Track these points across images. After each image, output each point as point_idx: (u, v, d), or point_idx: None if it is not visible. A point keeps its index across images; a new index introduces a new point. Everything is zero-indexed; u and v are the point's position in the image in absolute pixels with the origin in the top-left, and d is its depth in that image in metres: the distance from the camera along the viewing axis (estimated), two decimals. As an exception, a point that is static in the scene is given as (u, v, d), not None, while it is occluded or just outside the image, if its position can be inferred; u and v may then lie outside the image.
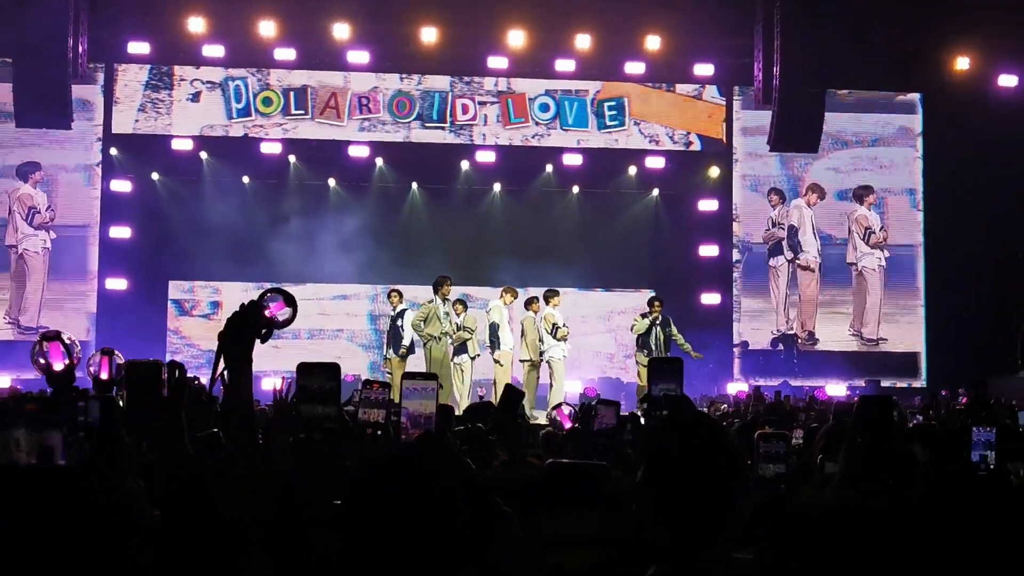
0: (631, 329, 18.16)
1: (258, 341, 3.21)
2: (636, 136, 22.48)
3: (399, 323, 16.76)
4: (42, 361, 4.09)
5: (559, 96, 22.27)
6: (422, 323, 16.32)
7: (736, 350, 22.76)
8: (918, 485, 3.31)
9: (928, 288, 22.86)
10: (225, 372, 3.24)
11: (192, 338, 22.14)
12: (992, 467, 3.78)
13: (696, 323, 21.81)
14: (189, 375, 4.10)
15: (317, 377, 3.12)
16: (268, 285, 20.83)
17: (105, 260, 21.59)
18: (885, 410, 3.32)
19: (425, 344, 16.40)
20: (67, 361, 3.78)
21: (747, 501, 3.59)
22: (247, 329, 3.15)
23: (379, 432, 4.38)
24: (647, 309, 17.98)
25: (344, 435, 3.55)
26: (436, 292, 16.51)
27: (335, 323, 22.10)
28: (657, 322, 17.54)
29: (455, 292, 17.54)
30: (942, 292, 22.40)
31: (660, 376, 3.86)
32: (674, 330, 17.83)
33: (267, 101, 21.88)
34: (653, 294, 20.64)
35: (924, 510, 2.69)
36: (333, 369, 3.16)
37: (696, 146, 22.68)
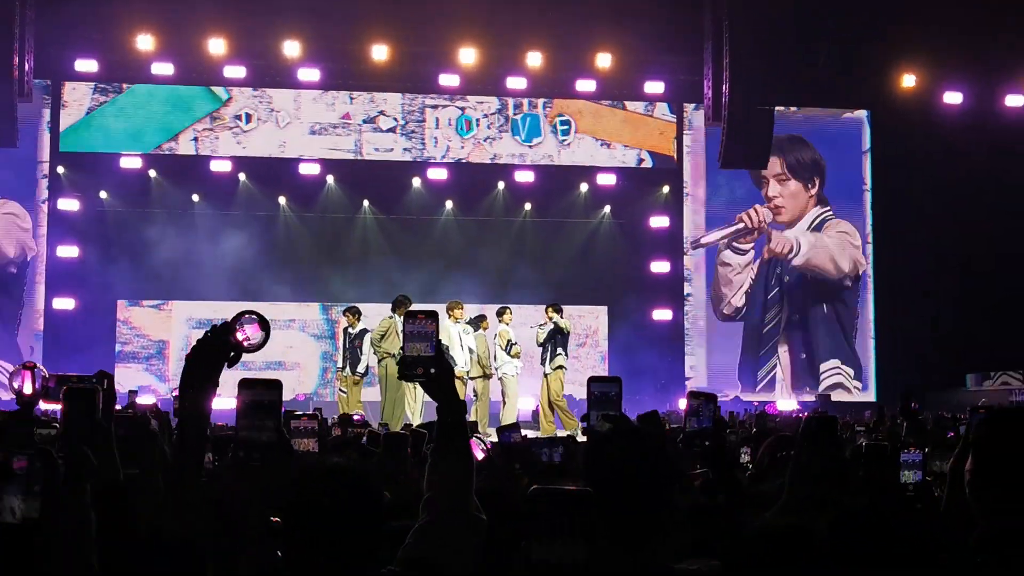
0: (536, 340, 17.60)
1: (226, 365, 3.17)
2: (587, 153, 22.61)
3: (358, 343, 16.70)
4: (16, 384, 4.18)
5: (510, 111, 22.42)
6: (380, 339, 16.28)
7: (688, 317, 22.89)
8: (858, 502, 3.39)
9: (877, 302, 23.14)
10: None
11: (143, 328, 22.11)
12: (917, 486, 3.94)
13: (648, 339, 22.03)
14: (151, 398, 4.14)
15: (258, 393, 3.09)
16: (216, 304, 21.02)
17: (52, 280, 21.39)
18: (828, 428, 3.42)
19: (380, 360, 16.34)
20: (34, 388, 3.85)
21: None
22: (216, 351, 3.13)
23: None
24: (546, 320, 17.46)
25: (285, 455, 3.57)
26: (395, 310, 16.46)
27: (286, 341, 22.00)
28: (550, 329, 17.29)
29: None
30: (890, 306, 22.70)
31: (600, 401, 3.89)
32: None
33: (215, 119, 21.87)
34: (607, 308, 20.98)
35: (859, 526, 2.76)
36: (275, 385, 3.13)
37: (647, 163, 22.87)
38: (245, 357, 3.16)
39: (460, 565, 2.84)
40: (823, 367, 23.07)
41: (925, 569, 2.67)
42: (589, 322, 22.89)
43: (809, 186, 23.30)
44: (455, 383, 3.17)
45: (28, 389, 4.35)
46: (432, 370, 3.05)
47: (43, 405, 4.29)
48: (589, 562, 2.01)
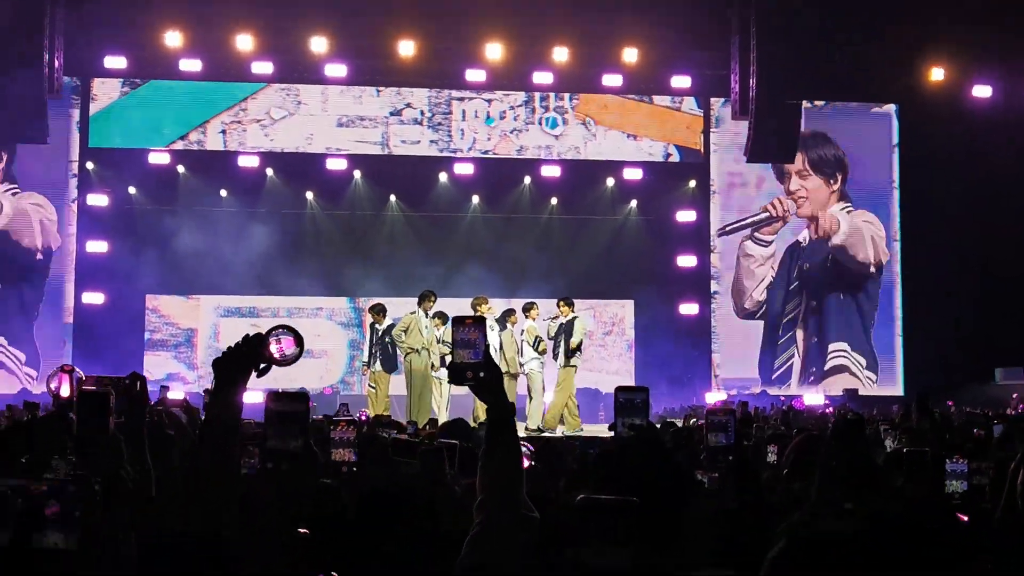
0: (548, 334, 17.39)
1: (254, 375, 3.19)
2: (614, 147, 22.60)
3: (387, 340, 16.72)
4: (53, 386, 4.21)
5: (537, 116, 22.45)
6: (403, 333, 16.31)
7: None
8: (894, 505, 3.38)
9: (905, 295, 23.02)
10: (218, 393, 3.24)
11: (172, 316, 22.31)
12: (963, 495, 3.87)
13: (674, 332, 22.02)
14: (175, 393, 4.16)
15: (286, 405, 3.12)
16: (244, 299, 21.13)
17: (81, 274, 21.56)
18: (857, 429, 3.41)
19: (405, 356, 16.38)
20: (72, 391, 3.89)
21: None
22: (246, 360, 3.15)
23: (354, 469, 4.45)
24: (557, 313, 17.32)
25: (311, 464, 3.58)
26: (420, 305, 16.50)
27: (314, 329, 22.05)
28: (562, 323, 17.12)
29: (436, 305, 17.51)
30: (919, 299, 22.57)
31: (627, 409, 3.91)
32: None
33: (243, 113, 22.00)
34: (633, 302, 21.01)
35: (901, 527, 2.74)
36: (302, 397, 3.16)
37: (675, 157, 22.83)
38: (264, 381, 3.19)
39: (514, 567, 2.87)
40: (831, 347, 22.95)
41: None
42: (615, 310, 22.87)
43: (831, 182, 23.21)
44: (503, 385, 3.21)
45: (65, 392, 4.39)
46: (481, 373, 3.08)
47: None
48: (633, 569, 2.03)
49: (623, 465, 3.01)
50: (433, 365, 16.57)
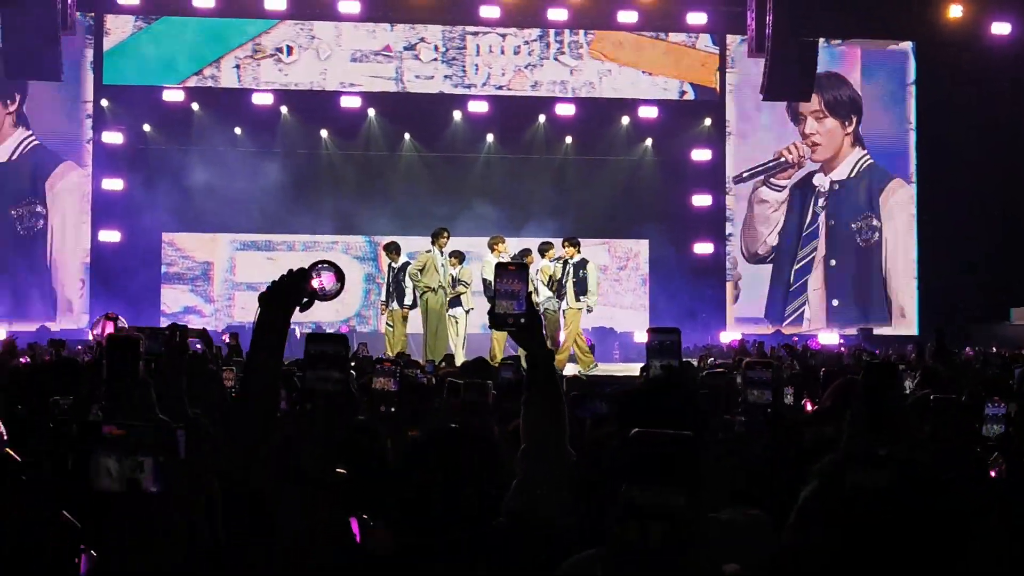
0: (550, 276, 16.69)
1: (298, 309, 3.24)
2: (629, 84, 22.46)
3: (401, 277, 16.66)
4: (97, 332, 4.25)
5: (551, 39, 22.32)
6: (419, 272, 16.25)
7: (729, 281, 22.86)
8: (922, 455, 3.40)
9: (920, 236, 22.96)
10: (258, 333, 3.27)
11: (187, 250, 22.47)
12: (1001, 438, 3.86)
13: (689, 272, 22.05)
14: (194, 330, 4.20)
15: (326, 346, 3.15)
16: (260, 237, 21.20)
17: (98, 212, 21.61)
18: (890, 376, 3.42)
19: (422, 295, 16.33)
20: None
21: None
22: (290, 295, 3.19)
23: (392, 409, 4.49)
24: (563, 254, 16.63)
25: (348, 404, 3.60)
26: (434, 243, 16.42)
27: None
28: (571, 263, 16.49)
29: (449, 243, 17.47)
30: (934, 240, 22.51)
31: (659, 350, 3.93)
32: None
33: (258, 49, 21.90)
34: (648, 241, 21.02)
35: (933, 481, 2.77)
36: (342, 339, 3.19)
37: (690, 95, 22.71)
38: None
39: (560, 512, 2.92)
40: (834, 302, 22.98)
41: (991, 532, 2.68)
42: (630, 245, 22.88)
43: (846, 124, 23.11)
44: (543, 331, 3.24)
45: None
46: (522, 319, 3.11)
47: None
48: (688, 507, 2.04)
49: (647, 405, 3.03)
50: (455, 302, 16.51)
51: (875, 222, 23.10)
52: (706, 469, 2.61)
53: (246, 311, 21.69)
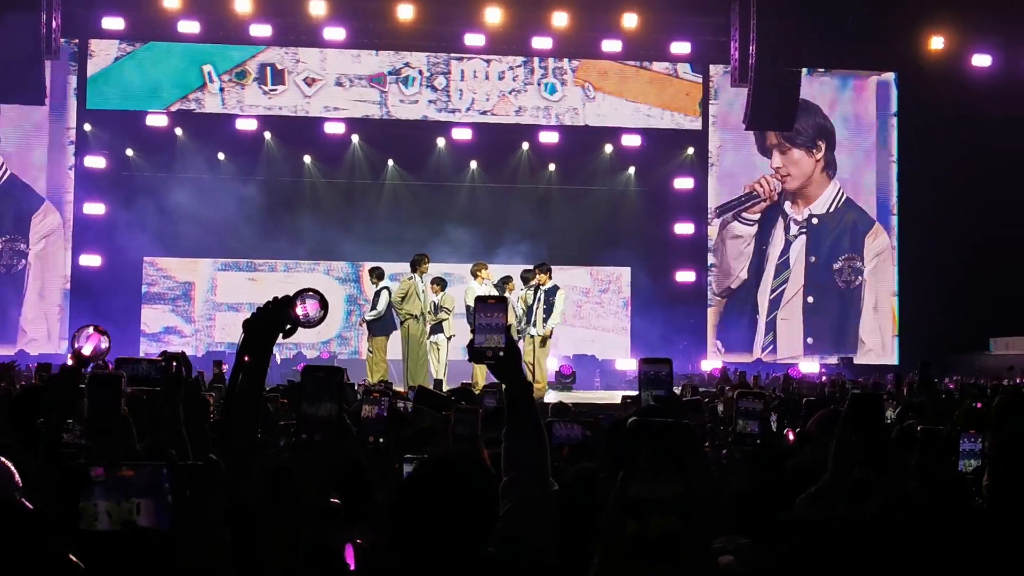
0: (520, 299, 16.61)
1: (281, 336, 3.26)
2: (612, 113, 22.56)
3: (376, 301, 16.65)
4: (78, 345, 4.20)
5: (536, 79, 22.41)
6: (400, 300, 16.27)
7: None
8: (912, 487, 3.42)
9: (901, 266, 23.06)
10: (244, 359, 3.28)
11: (168, 269, 22.40)
12: (978, 472, 3.87)
13: (670, 300, 22.09)
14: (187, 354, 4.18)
15: (321, 377, 3.17)
16: (242, 275, 21.16)
17: (79, 236, 21.56)
18: (876, 407, 3.44)
19: (403, 322, 16.35)
20: (94, 351, 3.87)
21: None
22: (274, 321, 3.21)
23: (380, 441, 4.49)
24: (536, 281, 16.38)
25: (344, 437, 3.60)
26: (415, 270, 16.44)
27: (312, 283, 22.05)
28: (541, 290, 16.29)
29: (433, 270, 17.49)
30: (914, 269, 22.61)
31: (651, 381, 3.94)
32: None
33: (241, 75, 21.89)
34: (630, 269, 21.00)
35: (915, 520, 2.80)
36: (337, 371, 3.22)
37: (672, 124, 22.79)
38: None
39: (547, 538, 2.94)
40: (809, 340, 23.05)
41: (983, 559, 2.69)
42: (612, 272, 22.92)
43: (814, 151, 23.18)
44: (523, 365, 3.25)
45: (88, 351, 4.35)
46: (501, 353, 3.13)
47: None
48: (685, 498, 2.03)
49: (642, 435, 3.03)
50: (435, 329, 16.49)
51: (859, 264, 23.19)
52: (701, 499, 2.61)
53: (227, 331, 21.68)
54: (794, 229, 23.12)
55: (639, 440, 2.13)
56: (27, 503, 2.25)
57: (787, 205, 23.13)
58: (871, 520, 2.84)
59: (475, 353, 3.18)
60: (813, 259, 23.11)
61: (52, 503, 2.42)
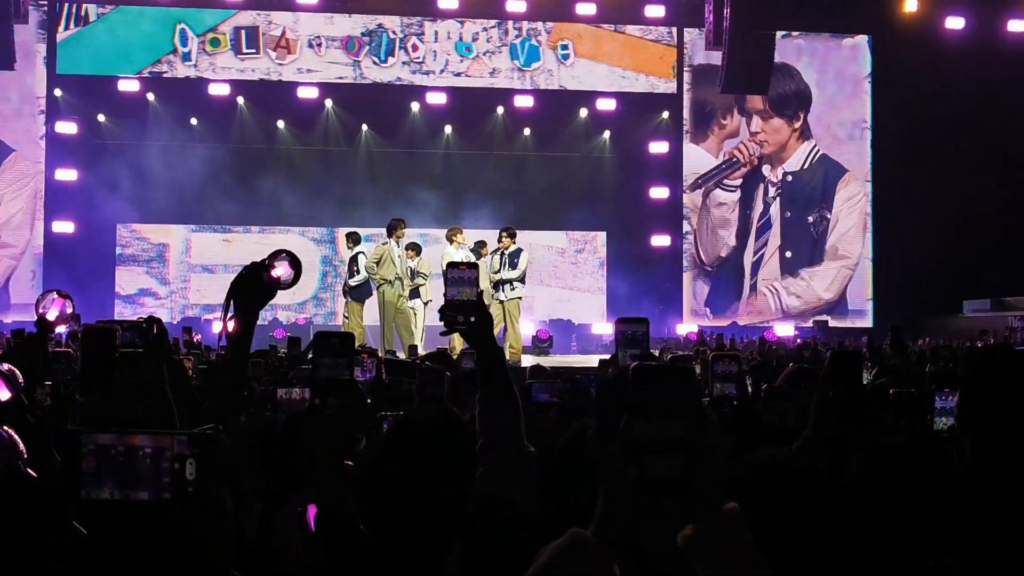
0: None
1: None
2: (587, 76, 22.52)
3: (354, 268, 16.59)
4: (40, 311, 4.19)
5: (510, 41, 22.33)
6: (375, 265, 16.19)
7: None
8: (894, 441, 3.47)
9: (876, 229, 23.19)
10: (230, 324, 3.31)
11: (143, 231, 22.34)
12: (952, 429, 3.93)
13: (646, 264, 22.17)
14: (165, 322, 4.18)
15: (333, 339, 3.21)
16: (216, 236, 21.10)
17: (51, 203, 21.42)
18: (855, 366, 3.49)
19: (378, 287, 16.30)
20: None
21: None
22: (252, 288, 3.24)
23: (369, 401, 4.51)
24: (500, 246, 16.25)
25: (358, 410, 3.61)
26: (390, 235, 16.36)
27: (286, 243, 22.00)
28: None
29: (409, 235, 17.44)
30: (888, 233, 22.76)
31: (628, 340, 3.97)
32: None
33: (215, 42, 21.73)
34: (606, 233, 21.01)
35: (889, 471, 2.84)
36: (349, 336, 3.26)
37: (647, 88, 22.80)
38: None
39: (527, 497, 2.97)
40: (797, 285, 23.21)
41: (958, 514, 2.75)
42: (587, 233, 23.00)
43: (793, 121, 23.28)
44: (493, 330, 3.25)
45: (52, 316, 4.35)
46: (472, 319, 3.15)
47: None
48: (686, 440, 2.04)
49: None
50: (412, 294, 16.47)
51: (827, 214, 23.30)
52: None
53: (201, 293, 21.67)
54: (772, 191, 23.21)
55: (642, 383, 2.15)
56: (32, 472, 2.26)
57: (765, 168, 23.23)
58: (852, 475, 2.89)
59: (446, 320, 3.18)
60: (788, 214, 23.22)
61: (49, 470, 2.43)
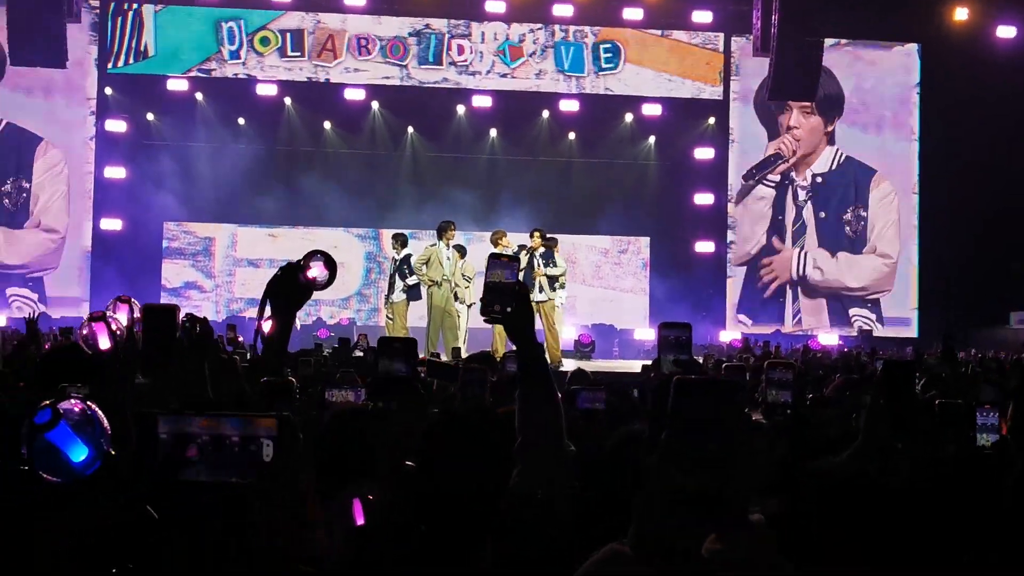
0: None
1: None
2: (633, 83, 22.51)
3: (405, 268, 16.61)
4: (87, 338, 4.05)
5: (556, 41, 22.37)
6: (424, 266, 16.18)
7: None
8: (945, 452, 3.50)
9: (921, 237, 23.02)
10: (267, 324, 3.36)
11: (189, 225, 22.56)
12: (996, 446, 3.92)
13: (690, 270, 22.15)
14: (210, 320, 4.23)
15: (397, 347, 3.26)
16: (262, 231, 21.27)
17: (100, 200, 21.69)
18: (908, 377, 3.50)
19: (428, 288, 16.25)
20: (112, 343, 3.74)
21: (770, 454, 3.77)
22: (289, 289, 3.29)
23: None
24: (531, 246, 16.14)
25: (420, 410, 3.65)
26: (440, 237, 16.37)
27: (331, 239, 22.26)
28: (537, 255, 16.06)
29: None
30: (935, 243, 22.58)
31: (671, 345, 3.97)
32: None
33: (264, 41, 21.91)
34: (649, 239, 20.95)
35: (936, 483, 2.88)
36: (411, 341, 3.31)
37: (693, 94, 22.76)
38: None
39: (563, 498, 2.97)
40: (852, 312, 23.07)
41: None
42: (631, 239, 23.02)
43: (827, 123, 23.20)
44: (534, 325, 3.21)
45: (105, 344, 4.01)
46: (508, 308, 3.12)
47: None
48: (724, 456, 2.06)
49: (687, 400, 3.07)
50: (455, 297, 16.49)
51: (863, 212, 23.16)
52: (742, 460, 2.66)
53: (247, 287, 21.85)
54: (802, 195, 23.13)
55: (685, 396, 2.17)
56: (112, 451, 2.32)
57: (792, 173, 23.17)
58: (901, 486, 2.92)
59: (484, 304, 3.14)
60: (823, 214, 23.12)
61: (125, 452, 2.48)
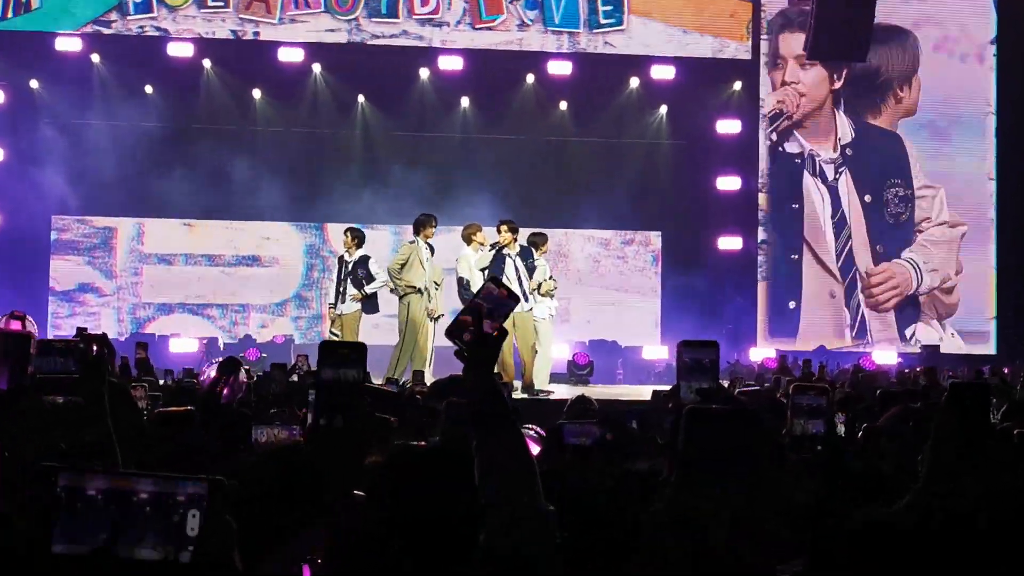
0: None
1: None
2: (639, 39, 22.51)
3: (359, 273, 16.43)
4: None
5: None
6: (400, 268, 15.88)
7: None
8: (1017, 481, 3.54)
9: (1000, 238, 22.99)
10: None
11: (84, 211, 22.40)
12: None
13: (712, 272, 22.13)
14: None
15: (344, 354, 3.31)
16: (176, 221, 21.18)
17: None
18: (982, 401, 3.51)
19: (402, 297, 15.95)
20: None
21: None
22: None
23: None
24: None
25: (367, 430, 3.69)
26: (418, 233, 16.12)
27: (263, 232, 22.49)
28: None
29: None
30: (1017, 242, 22.57)
31: (693, 370, 3.96)
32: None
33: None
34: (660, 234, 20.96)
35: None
36: (360, 347, 3.35)
37: (715, 52, 22.72)
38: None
39: (543, 557, 2.97)
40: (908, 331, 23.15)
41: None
42: (637, 234, 23.13)
43: (835, 78, 23.17)
44: (493, 366, 3.19)
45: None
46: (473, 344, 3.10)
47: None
48: (747, 507, 2.11)
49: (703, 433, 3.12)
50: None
51: (906, 191, 23.25)
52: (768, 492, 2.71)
53: (156, 289, 21.77)
54: (829, 173, 23.16)
55: (697, 432, 2.20)
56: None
57: (793, 145, 23.16)
58: (968, 510, 2.98)
59: (455, 326, 3.14)
60: (868, 198, 23.14)
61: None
